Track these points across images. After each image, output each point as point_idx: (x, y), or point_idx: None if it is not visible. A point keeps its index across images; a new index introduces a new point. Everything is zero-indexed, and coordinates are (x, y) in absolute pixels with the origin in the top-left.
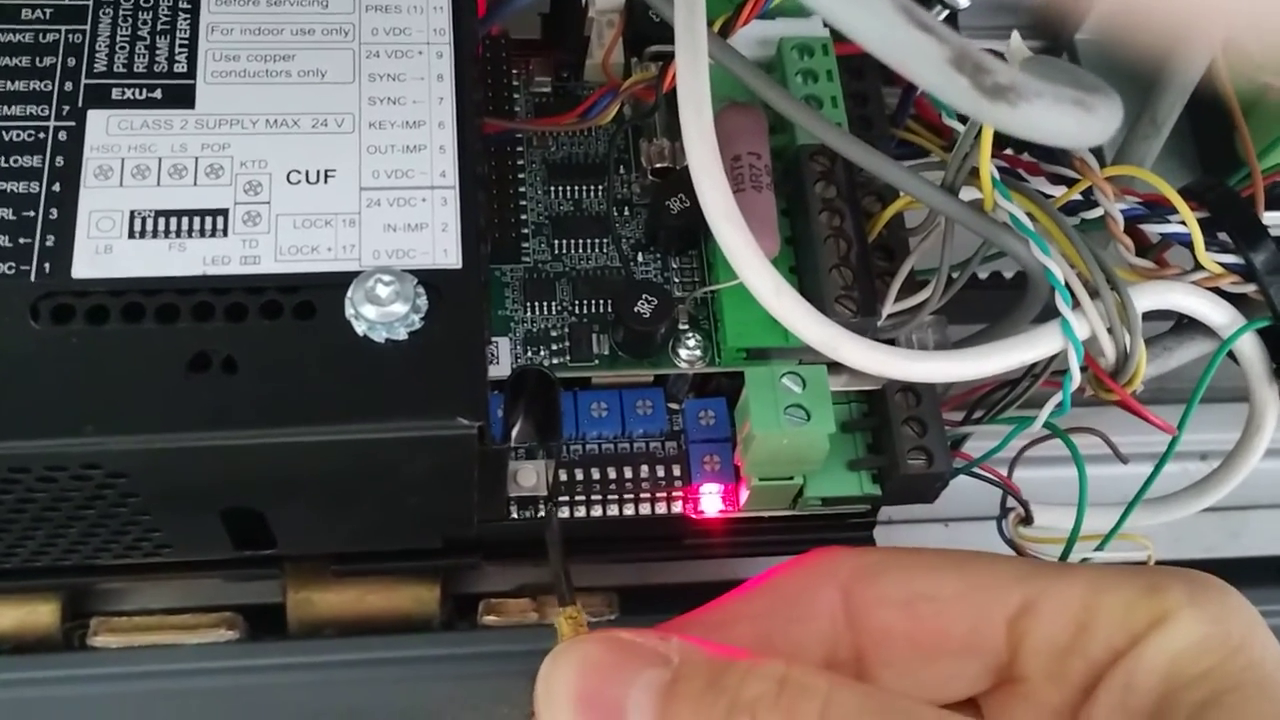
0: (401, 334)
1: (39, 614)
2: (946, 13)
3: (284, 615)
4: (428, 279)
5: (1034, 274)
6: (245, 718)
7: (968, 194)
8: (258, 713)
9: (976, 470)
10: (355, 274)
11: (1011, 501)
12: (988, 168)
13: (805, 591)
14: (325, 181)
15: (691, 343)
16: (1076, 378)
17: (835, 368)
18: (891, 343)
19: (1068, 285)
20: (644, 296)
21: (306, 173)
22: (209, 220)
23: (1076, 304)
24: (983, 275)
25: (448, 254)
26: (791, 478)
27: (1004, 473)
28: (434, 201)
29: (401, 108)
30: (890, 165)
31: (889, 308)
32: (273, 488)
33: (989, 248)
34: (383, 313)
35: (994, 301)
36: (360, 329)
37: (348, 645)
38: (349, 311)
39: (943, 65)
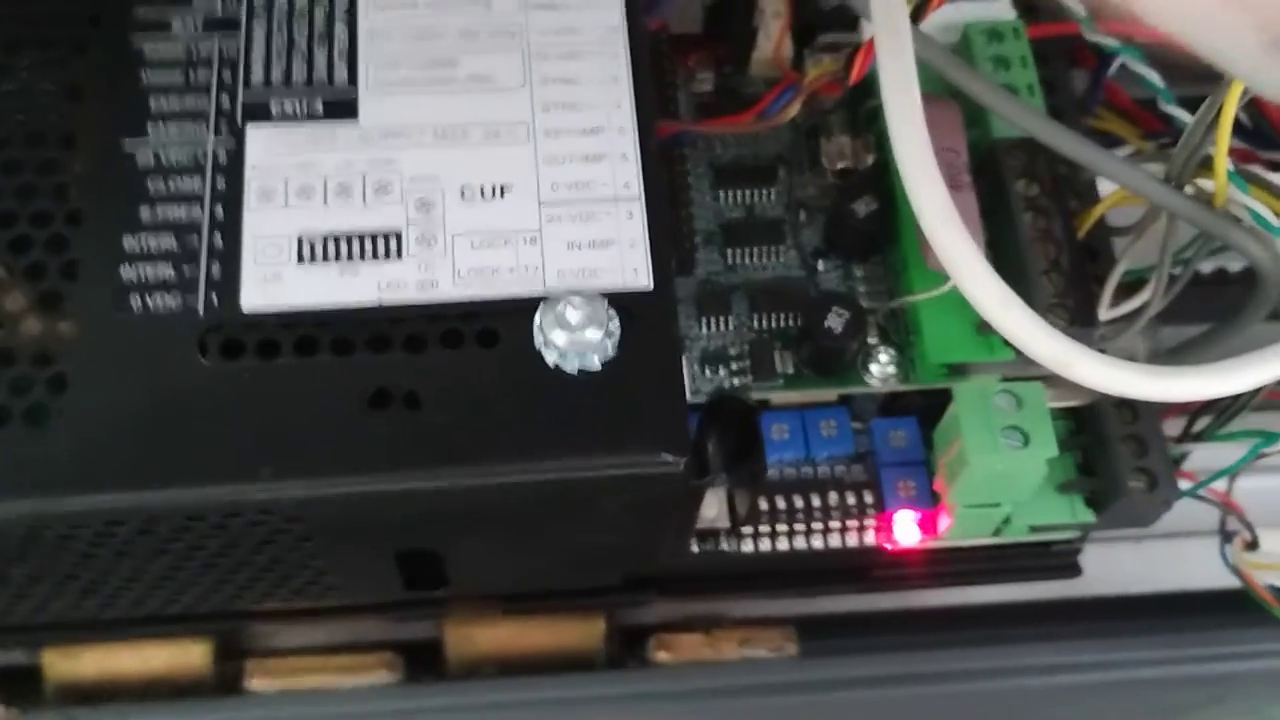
0: (594, 363)
1: (190, 654)
2: None
3: (441, 652)
4: (618, 301)
5: (1269, 272)
6: None
7: None
8: None
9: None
10: (540, 298)
11: (1233, 522)
12: (1224, 160)
13: None
14: (501, 197)
15: (884, 358)
16: None
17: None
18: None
19: None
20: (835, 309)
21: (481, 188)
22: (381, 242)
23: None
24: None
25: (638, 273)
26: (999, 504)
27: (1223, 489)
28: (619, 215)
29: (578, 113)
30: (1110, 159)
31: (1105, 314)
32: (455, 529)
33: (1207, 243)
34: (574, 339)
35: (1203, 300)
36: (551, 358)
37: (512, 686)
38: (538, 340)
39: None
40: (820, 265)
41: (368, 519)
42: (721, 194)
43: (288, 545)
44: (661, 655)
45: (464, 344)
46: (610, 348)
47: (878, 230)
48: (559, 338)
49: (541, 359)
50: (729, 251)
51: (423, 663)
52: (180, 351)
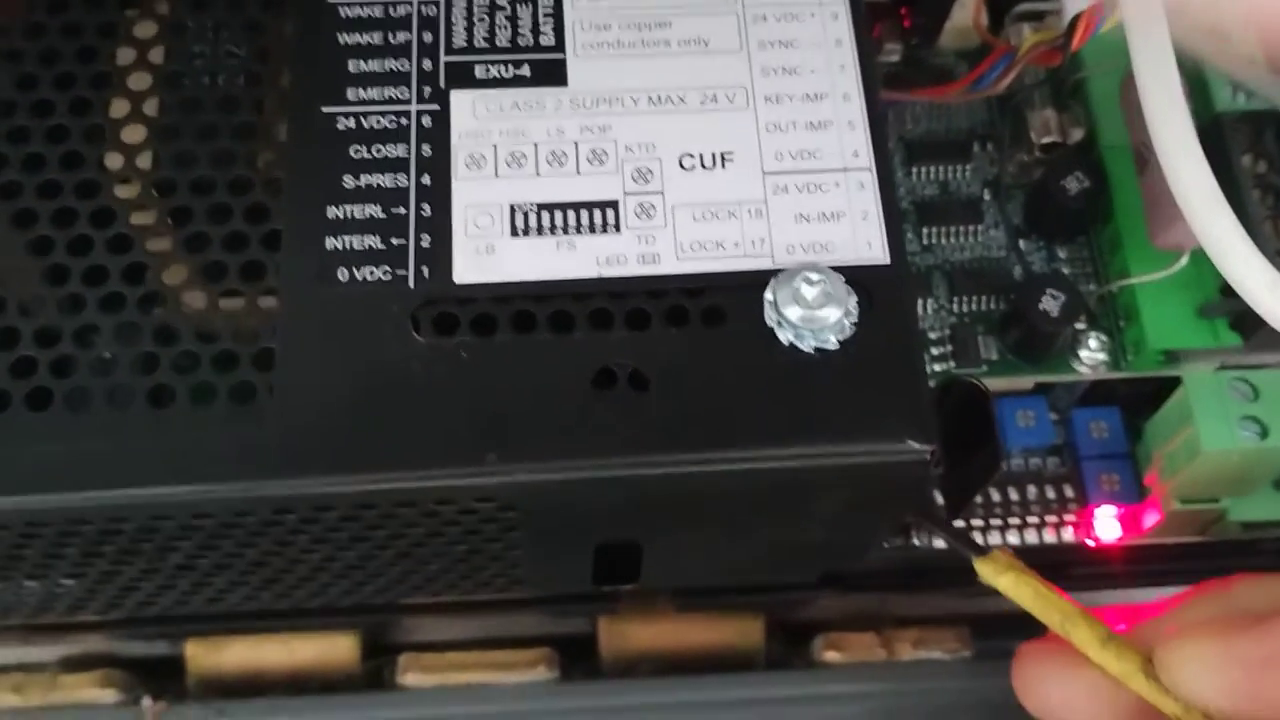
0: (832, 342)
1: (338, 648)
2: None
3: (595, 648)
4: (853, 276)
5: None
6: None
7: None
8: None
9: None
10: (769, 273)
11: None
12: None
13: None
14: (723, 166)
15: (1094, 344)
16: None
17: None
18: None
19: None
20: (1049, 292)
21: (701, 156)
22: (598, 214)
23: None
24: None
25: (872, 246)
26: (1218, 500)
27: None
28: (849, 186)
29: (800, 78)
30: None
31: None
32: (671, 519)
33: None
34: (810, 317)
35: None
36: (785, 337)
37: (674, 686)
38: (770, 317)
39: None
40: (1021, 245)
41: (584, 508)
42: (914, 170)
43: (490, 535)
44: (830, 655)
45: (689, 321)
46: (849, 326)
47: (1088, 209)
48: (794, 314)
49: (775, 337)
50: (924, 230)
51: (576, 658)
52: (391, 326)
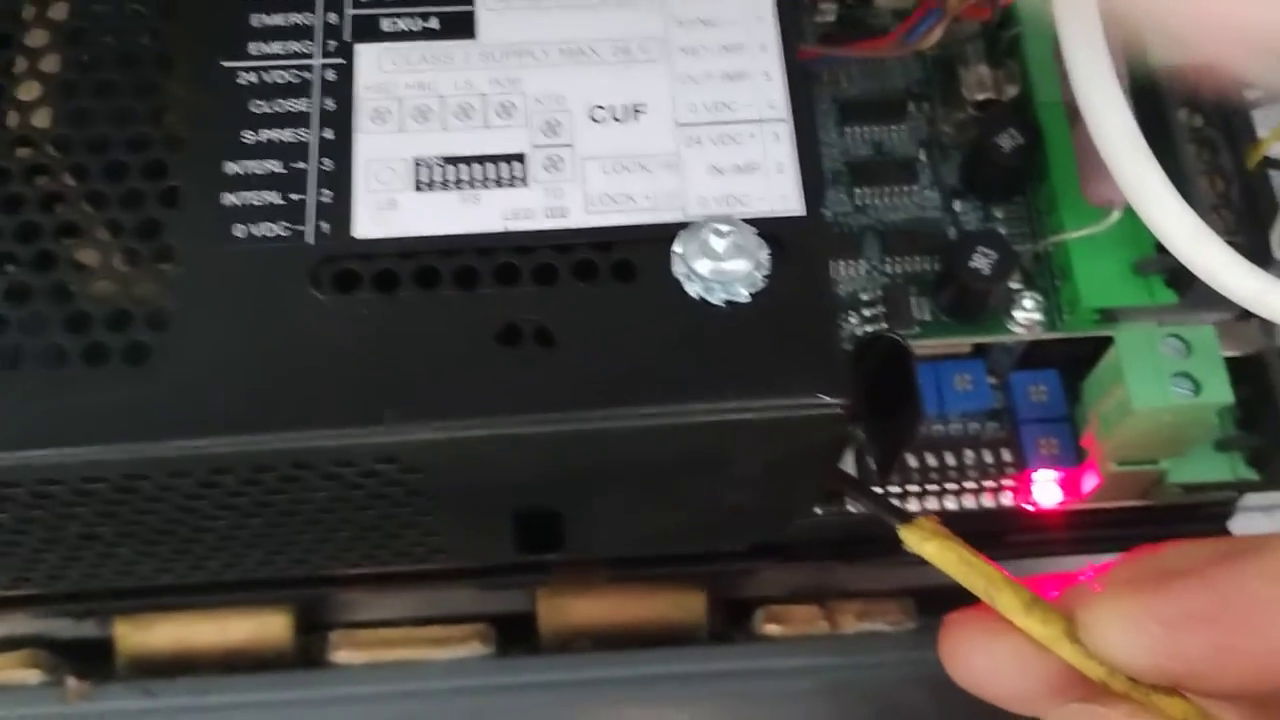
0: (743, 295)
1: (270, 626)
2: None
3: (534, 625)
4: (767, 229)
5: None
6: None
7: None
8: None
9: None
10: (680, 226)
11: None
12: None
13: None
14: (635, 118)
15: (1029, 304)
16: None
17: None
18: None
19: None
20: (980, 249)
21: (613, 109)
22: (504, 167)
23: None
24: None
25: (786, 199)
26: (1156, 461)
27: None
28: (764, 138)
29: (715, 29)
30: None
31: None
32: (584, 483)
33: None
34: (720, 270)
35: None
36: (694, 290)
37: (612, 661)
38: (678, 269)
39: None
40: (957, 206)
41: (492, 471)
42: (848, 130)
43: (401, 500)
44: (772, 628)
45: (598, 276)
46: (760, 279)
47: (1023, 166)
48: (703, 267)
49: (683, 290)
50: (856, 191)
51: (514, 636)
52: (290, 283)
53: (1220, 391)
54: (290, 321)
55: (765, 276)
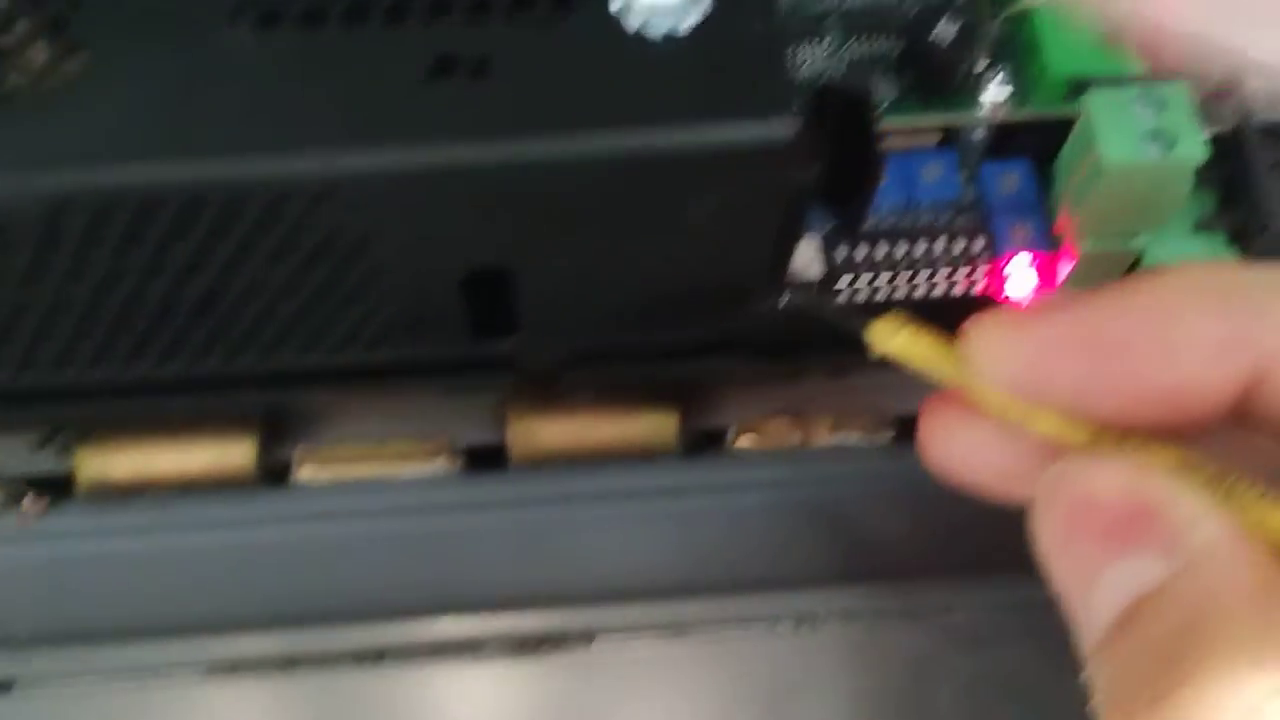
0: (683, 27)
1: (234, 452)
2: None
3: (504, 453)
4: None
5: None
6: (467, 560)
7: None
8: (480, 555)
9: None
10: None
11: None
12: None
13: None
14: None
15: (997, 83)
16: None
17: None
18: None
19: None
20: (944, 19)
21: None
22: None
23: None
24: None
25: None
26: (1136, 234)
27: None
28: None
29: None
30: None
31: None
32: (527, 229)
33: None
34: (657, 3)
35: None
36: (632, 23)
37: (580, 475)
38: (615, 3)
39: None
40: None
41: (434, 219)
42: None
43: (343, 255)
44: (743, 441)
45: (534, 9)
46: (698, 12)
47: None
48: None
49: (619, 25)
50: None
51: (485, 465)
52: (210, 22)
53: (1194, 147)
54: (212, 58)
55: (706, 9)
